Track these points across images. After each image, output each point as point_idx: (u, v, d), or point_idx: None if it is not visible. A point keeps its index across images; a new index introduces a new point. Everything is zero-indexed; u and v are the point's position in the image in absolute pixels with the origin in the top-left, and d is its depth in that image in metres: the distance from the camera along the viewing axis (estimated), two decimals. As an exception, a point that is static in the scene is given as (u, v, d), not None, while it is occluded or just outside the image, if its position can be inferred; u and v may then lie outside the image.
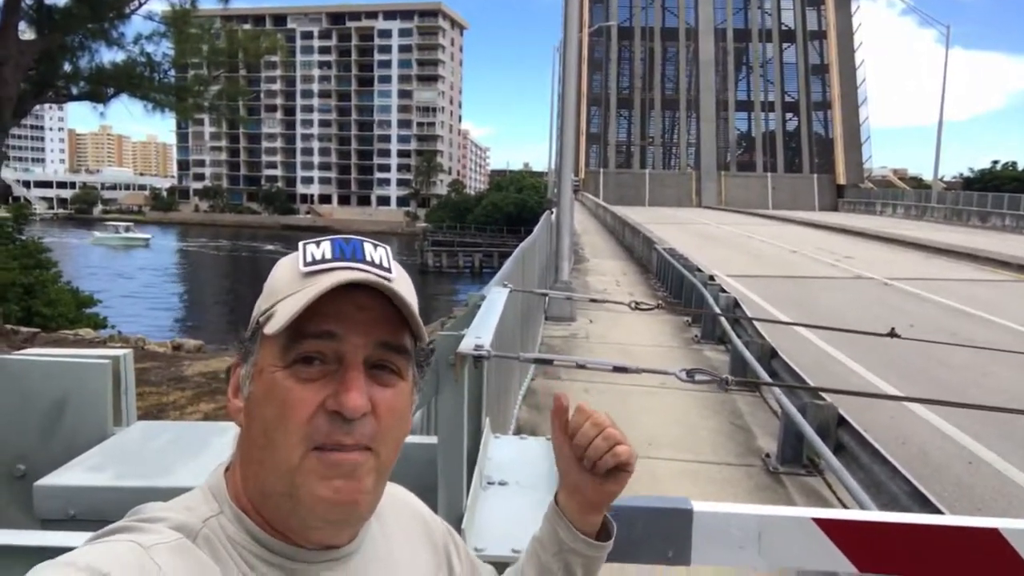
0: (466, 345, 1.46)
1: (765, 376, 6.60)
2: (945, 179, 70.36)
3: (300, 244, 0.79)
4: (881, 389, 7.91)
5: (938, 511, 3.80)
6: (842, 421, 5.31)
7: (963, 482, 5.69)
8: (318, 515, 0.73)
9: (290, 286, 0.75)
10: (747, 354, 7.25)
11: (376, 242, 0.80)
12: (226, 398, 0.81)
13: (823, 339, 9.74)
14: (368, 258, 0.77)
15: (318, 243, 0.78)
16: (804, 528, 1.67)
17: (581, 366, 1.66)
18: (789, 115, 73.32)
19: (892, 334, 3.07)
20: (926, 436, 6.50)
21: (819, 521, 1.68)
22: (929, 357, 8.61)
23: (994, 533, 1.64)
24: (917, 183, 74.75)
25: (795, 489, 5.31)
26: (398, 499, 0.93)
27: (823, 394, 5.87)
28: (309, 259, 0.76)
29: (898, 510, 4.23)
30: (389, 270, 0.77)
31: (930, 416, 7.09)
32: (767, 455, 5.90)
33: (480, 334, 1.55)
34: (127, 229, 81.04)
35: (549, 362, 1.71)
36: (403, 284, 0.78)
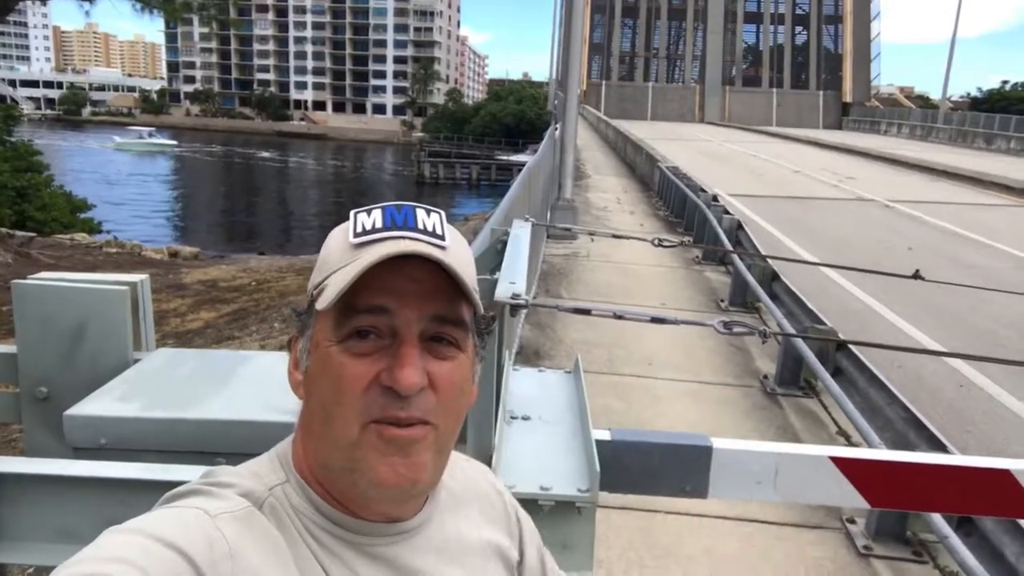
0: (503, 292, 1.44)
1: (767, 299, 6.63)
2: (952, 99, 68.98)
3: (351, 213, 0.76)
4: (880, 314, 7.99)
5: (933, 436, 3.90)
6: (841, 345, 5.37)
7: (955, 406, 5.82)
8: (379, 491, 0.73)
9: (341, 258, 0.73)
10: (749, 277, 7.26)
11: (430, 207, 0.77)
12: (287, 370, 0.80)
13: (823, 261, 9.75)
14: (420, 225, 0.74)
15: (369, 211, 0.75)
16: (821, 466, 1.71)
17: (619, 316, 1.65)
18: (799, 28, 71.13)
19: (916, 276, 3.05)
20: (921, 359, 6.61)
21: (836, 459, 1.71)
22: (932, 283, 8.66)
23: (1006, 474, 1.68)
24: (924, 102, 73.26)
25: (791, 410, 5.42)
26: (479, 478, 0.92)
27: (823, 318, 5.93)
28: (359, 229, 0.74)
29: (893, 434, 4.35)
30: (443, 237, 0.74)
31: (926, 340, 7.20)
32: (765, 376, 6.00)
33: (514, 279, 1.53)
34: (150, 135, 77.35)
35: (587, 312, 1.70)
36: (458, 252, 0.75)
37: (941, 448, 3.70)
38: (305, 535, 0.72)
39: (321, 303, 0.71)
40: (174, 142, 78.50)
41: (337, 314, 0.71)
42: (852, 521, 3.89)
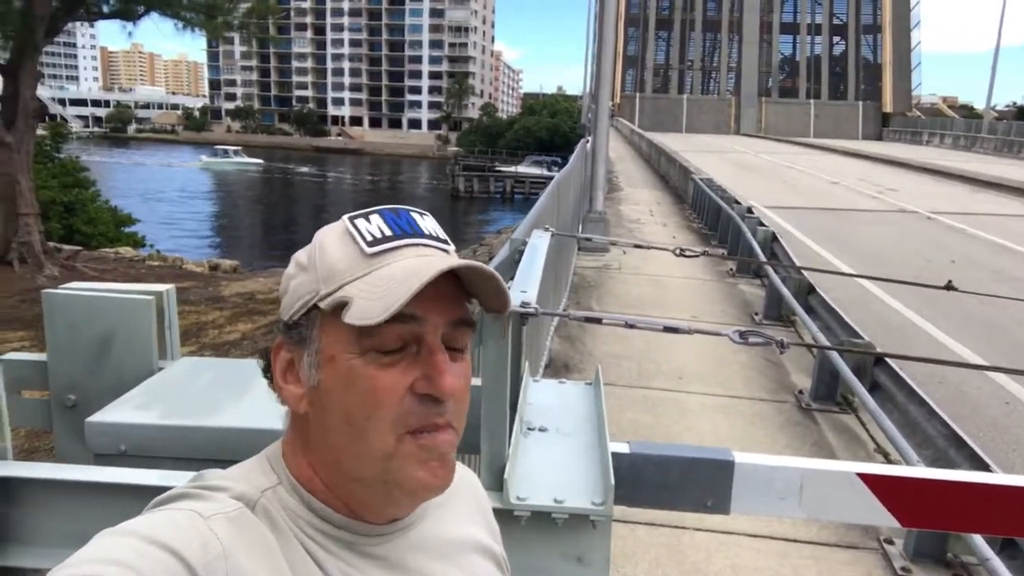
0: (512, 301, 1.43)
1: (803, 313, 6.50)
2: (997, 108, 67.27)
3: (345, 218, 0.75)
4: (920, 327, 7.78)
5: (975, 454, 3.76)
6: (879, 360, 5.24)
7: (999, 423, 5.63)
8: (413, 497, 0.75)
9: (353, 267, 0.71)
10: (784, 290, 7.14)
11: (421, 211, 0.77)
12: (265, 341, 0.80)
13: (860, 273, 9.56)
14: (425, 230, 0.74)
15: (367, 216, 0.74)
16: (848, 482, 1.66)
17: (631, 326, 1.62)
18: (836, 38, 70.24)
19: (949, 287, 2.96)
20: (964, 375, 6.41)
21: (863, 476, 1.66)
22: (971, 294, 8.42)
23: (1045, 493, 1.60)
24: (967, 112, 71.67)
25: (827, 426, 5.30)
26: (463, 479, 0.93)
27: (861, 332, 5.79)
28: (369, 237, 0.72)
29: (933, 451, 4.21)
30: (447, 241, 0.75)
31: (969, 355, 6.99)
32: (800, 391, 5.87)
33: (526, 288, 1.52)
34: (236, 153, 78.66)
35: (598, 321, 1.68)
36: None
37: (984, 468, 3.56)
38: (300, 535, 0.72)
39: (354, 318, 0.68)
40: (259, 161, 78.93)
41: (360, 326, 0.69)
42: (890, 542, 3.77)
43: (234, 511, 0.69)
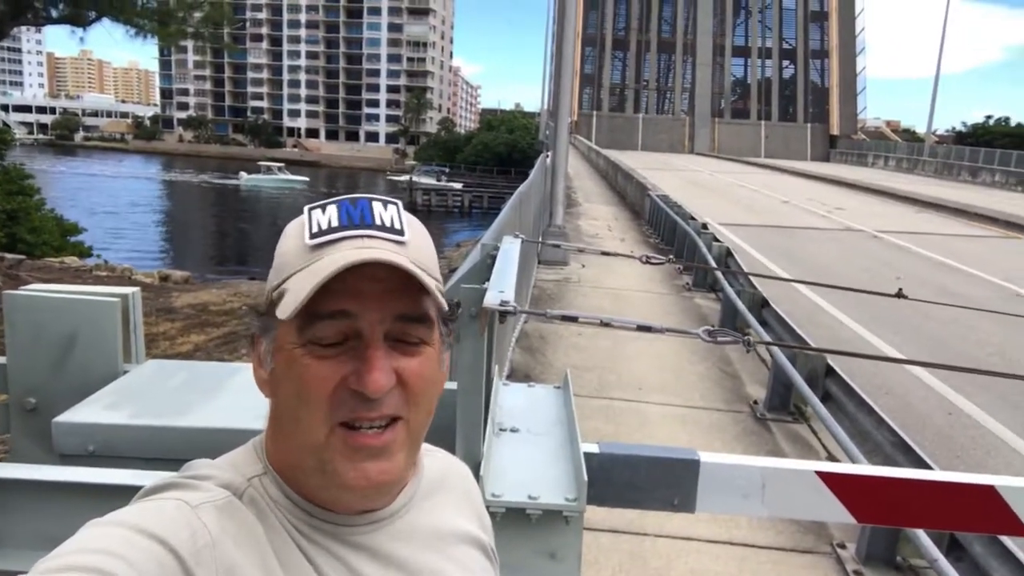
0: (492, 299, 1.46)
1: (757, 325, 6.67)
2: (938, 133, 70.13)
3: (306, 209, 0.75)
4: (868, 341, 8.04)
5: (921, 460, 3.91)
6: (830, 371, 5.40)
7: (943, 432, 5.84)
8: (350, 493, 0.73)
9: (297, 260, 0.72)
10: (739, 303, 7.31)
11: (386, 199, 0.75)
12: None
13: (813, 290, 9.84)
14: (378, 220, 0.72)
15: (324, 208, 0.74)
16: (807, 480, 1.72)
17: (606, 324, 1.67)
18: (786, 62, 72.40)
19: (899, 295, 3.09)
20: (909, 387, 6.65)
21: (821, 474, 1.73)
22: (916, 310, 8.73)
23: (990, 490, 1.69)
24: (910, 135, 74.51)
25: (781, 435, 5.43)
26: (454, 471, 0.93)
27: (812, 344, 5.96)
28: (315, 228, 0.72)
29: (882, 458, 4.36)
30: (401, 232, 0.72)
31: (914, 367, 7.24)
32: (755, 402, 6.01)
33: (503, 288, 1.56)
34: (280, 170, 73.72)
35: (574, 319, 1.72)
36: (418, 244, 0.74)
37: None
38: (286, 524, 0.73)
39: (281, 312, 0.69)
40: (305, 178, 73.80)
41: (299, 320, 0.70)
42: (843, 546, 3.88)
43: (222, 500, 0.70)
